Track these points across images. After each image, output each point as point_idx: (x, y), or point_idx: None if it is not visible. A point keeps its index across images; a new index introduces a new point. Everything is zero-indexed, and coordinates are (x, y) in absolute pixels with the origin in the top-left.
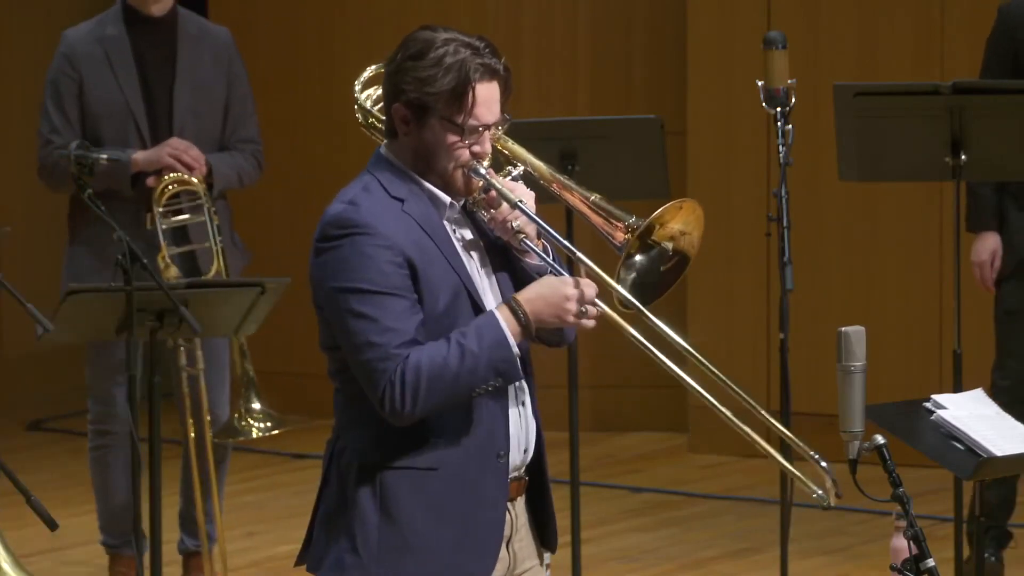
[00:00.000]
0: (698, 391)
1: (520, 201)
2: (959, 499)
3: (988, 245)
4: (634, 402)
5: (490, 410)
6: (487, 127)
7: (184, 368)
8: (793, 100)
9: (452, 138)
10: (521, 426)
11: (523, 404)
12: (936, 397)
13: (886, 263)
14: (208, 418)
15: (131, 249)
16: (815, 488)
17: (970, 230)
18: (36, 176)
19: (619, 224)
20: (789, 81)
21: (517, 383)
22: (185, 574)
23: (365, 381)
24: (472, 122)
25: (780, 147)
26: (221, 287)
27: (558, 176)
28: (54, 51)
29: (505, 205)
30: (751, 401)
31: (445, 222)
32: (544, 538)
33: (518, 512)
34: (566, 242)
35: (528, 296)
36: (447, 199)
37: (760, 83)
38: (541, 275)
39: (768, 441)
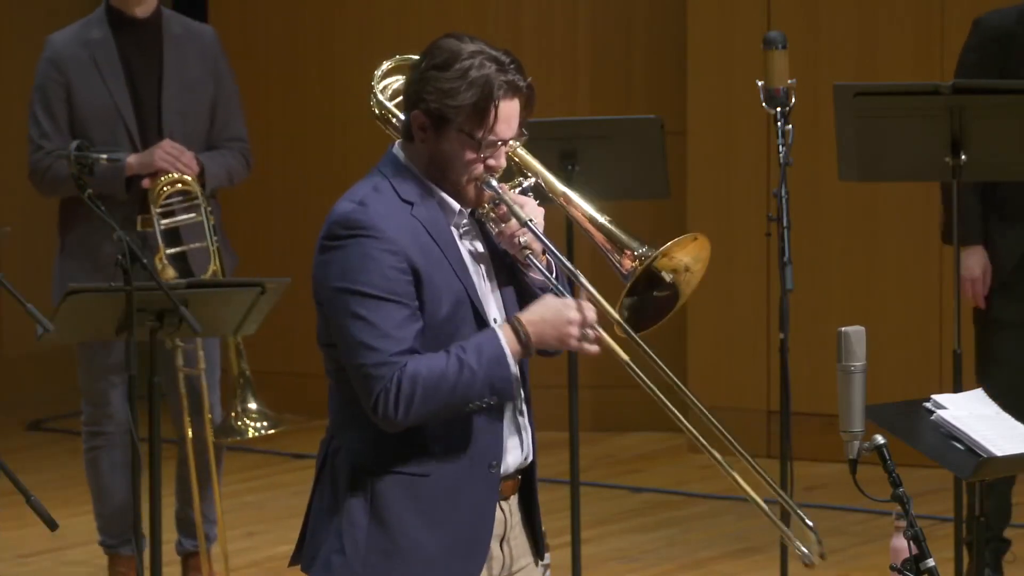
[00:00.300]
0: (692, 432)
1: (530, 220)
2: (959, 499)
3: (979, 259)
4: (634, 402)
5: (486, 420)
6: (504, 142)
7: (181, 368)
8: (793, 100)
9: (469, 152)
10: (518, 435)
11: (521, 413)
12: (936, 397)
13: (886, 263)
14: (209, 417)
15: (131, 249)
16: (799, 546)
17: (956, 242)
18: (28, 181)
19: (627, 252)
20: (789, 81)
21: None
22: (184, 574)
23: (359, 385)
24: (491, 138)
25: (780, 147)
26: (221, 287)
27: (567, 191)
28: None
29: (514, 220)
30: (740, 449)
31: (452, 228)
32: (535, 543)
33: (512, 510)
34: (570, 265)
35: (531, 318)
36: (456, 206)
37: (760, 83)
38: (544, 291)
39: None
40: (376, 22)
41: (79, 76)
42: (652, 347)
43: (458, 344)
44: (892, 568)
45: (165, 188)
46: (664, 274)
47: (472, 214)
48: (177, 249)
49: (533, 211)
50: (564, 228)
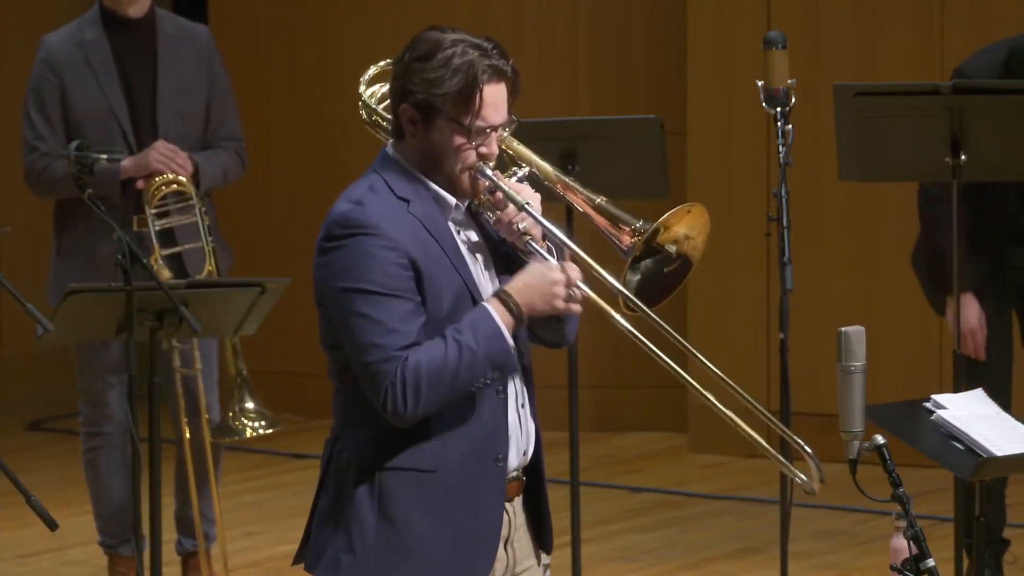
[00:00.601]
0: (679, 372)
1: (527, 203)
2: (959, 499)
3: (974, 308)
4: (634, 402)
5: (490, 413)
6: (494, 128)
7: (178, 369)
8: (793, 100)
9: (459, 139)
10: (521, 429)
11: (523, 407)
12: (936, 397)
13: (886, 263)
14: (206, 417)
15: (131, 249)
16: (798, 474)
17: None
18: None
19: (625, 228)
20: (789, 81)
21: (519, 387)
22: (184, 574)
23: (367, 383)
24: (479, 124)
25: (780, 147)
26: (221, 287)
27: (563, 177)
28: None
29: (511, 207)
30: (747, 395)
31: (450, 223)
32: (540, 539)
33: (516, 512)
34: (572, 244)
35: (516, 286)
36: (452, 200)
37: (760, 83)
38: None
39: (767, 437)
40: (376, 22)
41: (73, 77)
42: (651, 338)
43: (452, 327)
44: (892, 568)
45: (160, 189)
46: (667, 247)
47: (468, 207)
48: (172, 250)
49: (529, 196)
50: (563, 220)
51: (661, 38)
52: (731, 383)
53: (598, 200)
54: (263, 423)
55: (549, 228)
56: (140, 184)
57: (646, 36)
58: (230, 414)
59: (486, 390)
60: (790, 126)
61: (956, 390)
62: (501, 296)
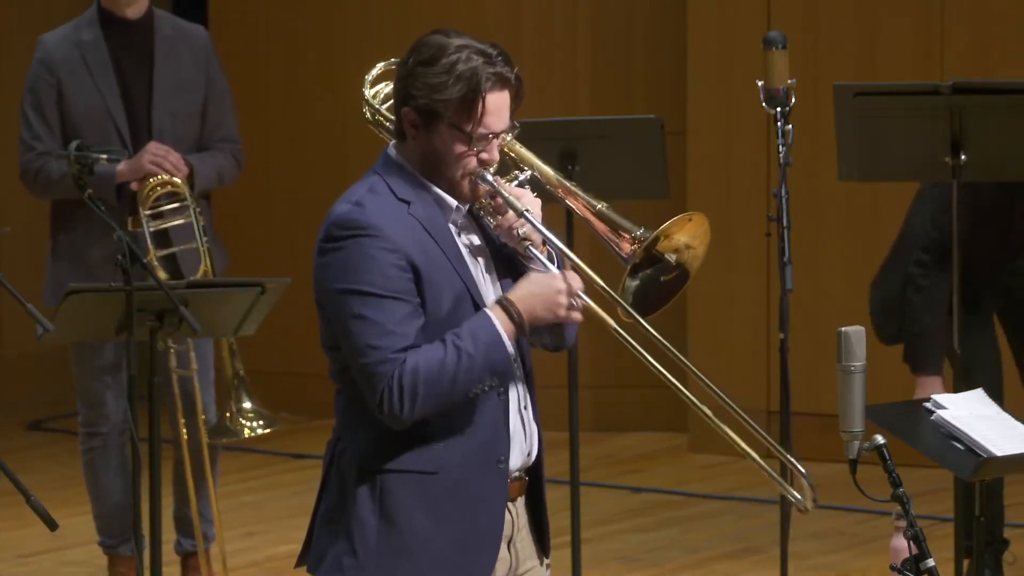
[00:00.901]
0: (679, 388)
1: (526, 210)
2: (959, 499)
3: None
4: (634, 402)
5: (492, 415)
6: (496, 135)
7: (175, 370)
8: (793, 100)
9: (460, 146)
10: (524, 432)
11: (525, 408)
12: (936, 397)
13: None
14: (203, 417)
15: (131, 249)
16: (793, 492)
17: (915, 371)
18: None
19: (626, 235)
20: (789, 81)
21: (521, 390)
22: (184, 574)
23: (364, 384)
24: (481, 130)
25: (780, 147)
26: (221, 287)
27: (564, 182)
28: None
29: (511, 212)
30: (745, 415)
31: (450, 225)
32: (541, 542)
33: (519, 512)
34: (570, 252)
35: (520, 294)
36: (453, 203)
37: (760, 83)
38: None
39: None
40: (376, 22)
41: (70, 77)
42: (651, 349)
43: (452, 332)
44: (892, 568)
45: (155, 190)
46: (667, 256)
47: (470, 210)
48: (167, 251)
49: (530, 202)
50: (563, 224)
51: (661, 38)
52: (730, 403)
53: (599, 206)
54: (261, 423)
55: (548, 236)
56: (134, 186)
57: (646, 36)
58: (228, 414)
59: (487, 392)
60: (790, 126)
61: (956, 390)
62: (503, 303)
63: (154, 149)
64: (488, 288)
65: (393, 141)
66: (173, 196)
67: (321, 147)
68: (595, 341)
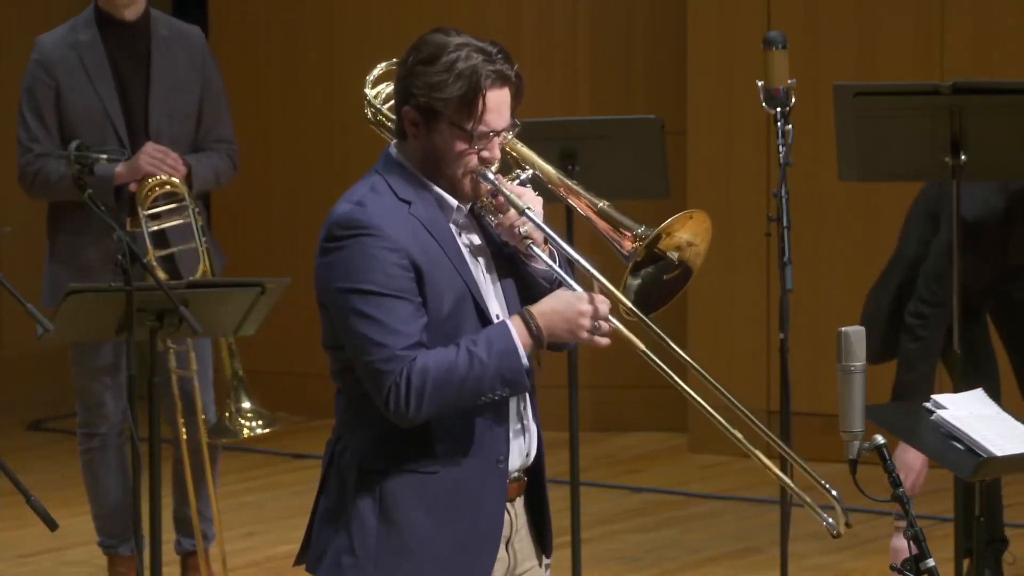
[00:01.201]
0: (710, 412)
1: (528, 208)
2: (959, 499)
3: (918, 453)
4: (634, 402)
5: (492, 415)
6: (496, 133)
7: (174, 370)
8: (793, 100)
9: (461, 144)
10: (524, 432)
11: (525, 409)
12: (936, 397)
13: (886, 263)
14: (203, 417)
15: (131, 249)
16: (825, 516)
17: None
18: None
19: (627, 233)
20: (789, 81)
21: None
22: (183, 574)
23: (369, 382)
24: (482, 128)
25: (780, 147)
26: (221, 287)
27: (566, 180)
28: None
29: (513, 211)
30: (764, 427)
31: (451, 225)
32: (542, 542)
33: (518, 512)
34: (572, 250)
35: (542, 310)
36: (454, 202)
37: (760, 83)
38: (547, 280)
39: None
40: (376, 22)
41: (68, 79)
42: (652, 347)
43: (468, 337)
44: (892, 568)
45: (153, 190)
46: (669, 253)
47: (471, 209)
48: (165, 251)
49: (531, 200)
50: (563, 222)
51: (661, 38)
52: (750, 416)
53: (600, 204)
54: (260, 423)
55: (550, 234)
56: (132, 187)
57: (646, 36)
58: (227, 414)
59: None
60: (790, 126)
61: (956, 390)
62: (524, 315)
63: (152, 150)
64: (489, 288)
65: (394, 141)
66: (171, 197)
67: (321, 147)
68: None
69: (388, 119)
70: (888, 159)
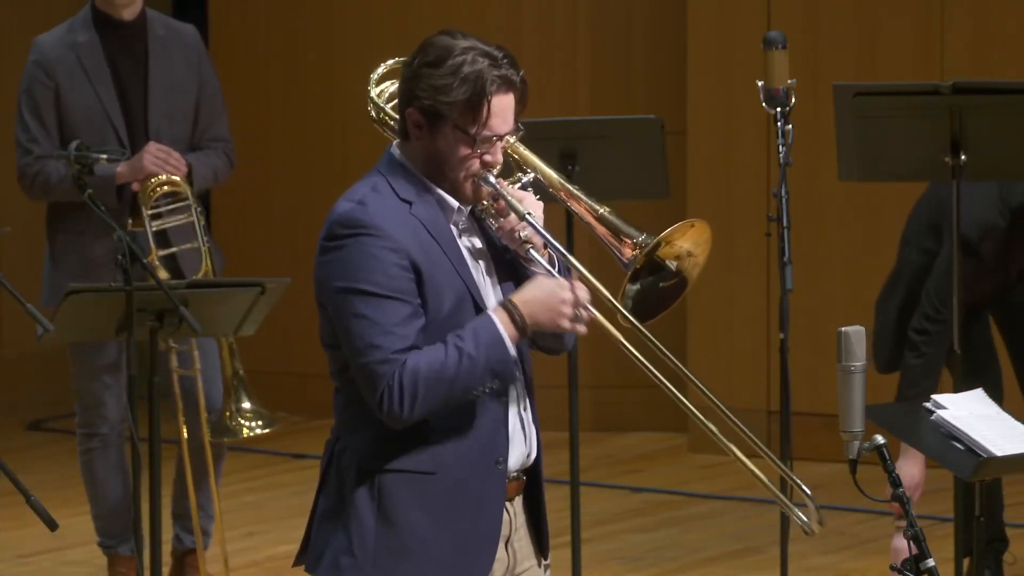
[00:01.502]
0: (692, 412)
1: (528, 213)
2: (959, 499)
3: (918, 464)
4: (634, 402)
5: (491, 416)
6: (500, 138)
7: (175, 370)
8: (793, 100)
9: (464, 148)
10: (524, 433)
11: (525, 410)
12: (936, 397)
13: (886, 263)
14: (206, 415)
15: (131, 249)
16: (800, 515)
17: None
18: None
19: (627, 240)
20: (789, 81)
21: (520, 391)
22: (181, 573)
23: (363, 383)
24: (485, 133)
25: (780, 147)
26: (221, 287)
27: (567, 185)
28: None
29: (513, 215)
30: (750, 433)
31: (452, 227)
32: (540, 543)
33: (516, 511)
34: (571, 257)
35: (525, 298)
36: (455, 203)
37: (760, 83)
38: None
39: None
40: (376, 22)
41: (67, 79)
42: (649, 354)
43: (454, 333)
44: (892, 568)
45: (156, 190)
46: (668, 262)
47: (472, 211)
48: (167, 251)
49: (532, 205)
50: (564, 225)
51: (661, 38)
52: (736, 420)
53: (601, 210)
54: (260, 423)
55: (550, 240)
56: (136, 186)
57: (646, 36)
58: (227, 414)
59: (486, 393)
60: (790, 126)
61: (956, 390)
62: (507, 306)
63: (155, 150)
64: (489, 291)
65: (396, 141)
66: (172, 196)
67: (321, 147)
68: (595, 341)
69: (391, 118)
70: (888, 159)
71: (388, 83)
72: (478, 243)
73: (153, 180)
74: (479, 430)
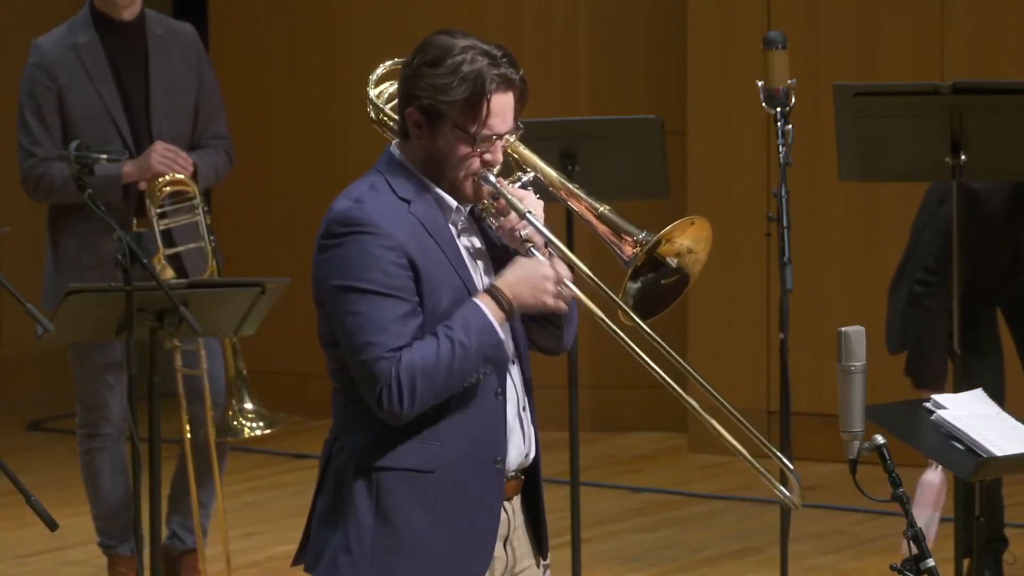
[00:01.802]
0: (680, 394)
1: (529, 212)
2: (959, 499)
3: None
4: (634, 402)
5: (489, 415)
6: (499, 137)
7: (180, 369)
8: (793, 100)
9: (464, 147)
10: (523, 433)
11: (524, 410)
12: (936, 397)
13: (886, 263)
14: (211, 414)
15: (131, 249)
16: (782, 489)
17: (916, 387)
18: (21, 188)
19: (628, 238)
20: (789, 81)
21: (519, 391)
22: (181, 573)
23: (361, 381)
24: (485, 132)
25: (780, 147)
26: (221, 287)
27: (567, 184)
28: None
29: (513, 214)
30: (736, 412)
31: (451, 226)
32: (539, 543)
33: (515, 511)
34: (572, 255)
35: (508, 281)
36: (454, 203)
37: (760, 83)
38: None
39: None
40: (376, 22)
41: (69, 81)
42: (648, 348)
43: (443, 324)
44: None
45: (163, 189)
46: (669, 259)
47: (471, 212)
48: (173, 250)
49: (532, 204)
50: (564, 224)
51: (661, 38)
52: (724, 402)
53: (601, 209)
54: (262, 424)
55: (550, 238)
56: (143, 185)
57: (646, 36)
58: (229, 413)
59: (484, 392)
60: (790, 126)
61: (956, 390)
62: (491, 291)
63: (162, 149)
64: None
65: (395, 140)
66: (176, 195)
67: (321, 147)
68: (595, 341)
69: (390, 119)
70: (888, 159)
71: (387, 84)
72: (477, 243)
73: (160, 179)
74: (478, 429)
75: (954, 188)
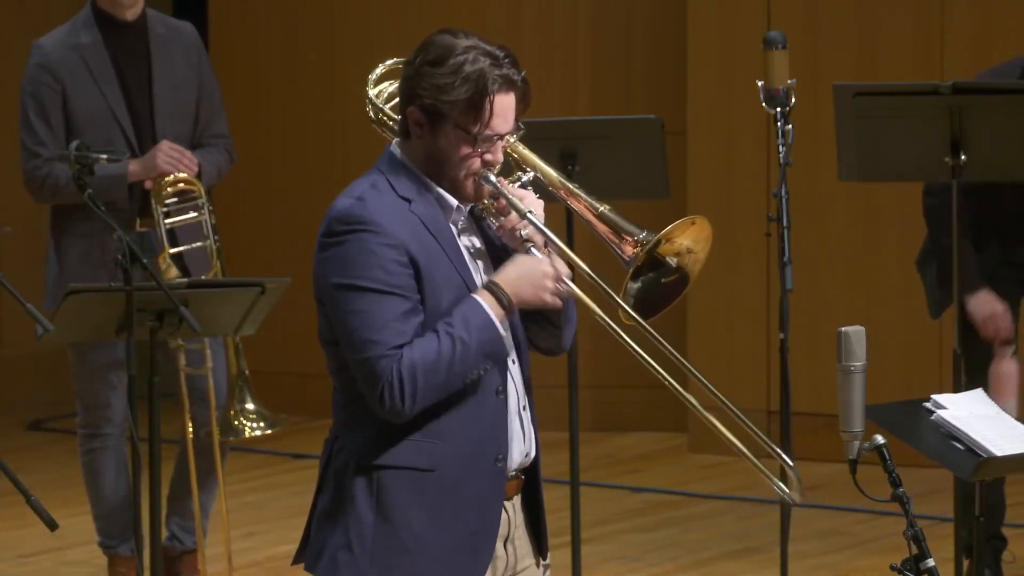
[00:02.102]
0: (679, 391)
1: (529, 211)
2: (959, 499)
3: (990, 300)
4: (634, 402)
5: (490, 414)
6: (501, 137)
7: (183, 368)
8: (793, 100)
9: (465, 147)
10: (524, 432)
11: (524, 409)
12: (936, 397)
13: (886, 263)
14: (215, 415)
15: (131, 249)
16: (781, 486)
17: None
18: (24, 188)
19: (628, 238)
20: (789, 81)
21: (519, 390)
22: (180, 574)
23: (363, 380)
24: (487, 132)
25: (780, 147)
26: (221, 287)
27: (567, 183)
28: None
29: (514, 213)
30: (736, 409)
31: (451, 226)
32: (539, 543)
33: (516, 510)
34: (572, 254)
35: (507, 278)
36: (454, 202)
37: (760, 83)
38: None
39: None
40: (376, 22)
41: (73, 81)
42: (650, 348)
43: (443, 321)
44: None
45: (170, 187)
46: (668, 259)
47: (471, 212)
48: (177, 249)
49: (533, 203)
50: (564, 225)
51: (661, 38)
52: (725, 400)
53: (601, 208)
54: (263, 424)
55: (551, 237)
56: (149, 184)
57: (646, 36)
58: (231, 412)
59: (486, 391)
60: (790, 126)
61: (956, 390)
62: (490, 287)
63: (168, 148)
64: None
65: (396, 139)
66: (181, 194)
67: (321, 147)
68: (595, 341)
69: (390, 118)
70: (888, 159)
71: (387, 83)
72: (477, 243)
73: (166, 179)
74: (479, 428)
75: (954, 188)
